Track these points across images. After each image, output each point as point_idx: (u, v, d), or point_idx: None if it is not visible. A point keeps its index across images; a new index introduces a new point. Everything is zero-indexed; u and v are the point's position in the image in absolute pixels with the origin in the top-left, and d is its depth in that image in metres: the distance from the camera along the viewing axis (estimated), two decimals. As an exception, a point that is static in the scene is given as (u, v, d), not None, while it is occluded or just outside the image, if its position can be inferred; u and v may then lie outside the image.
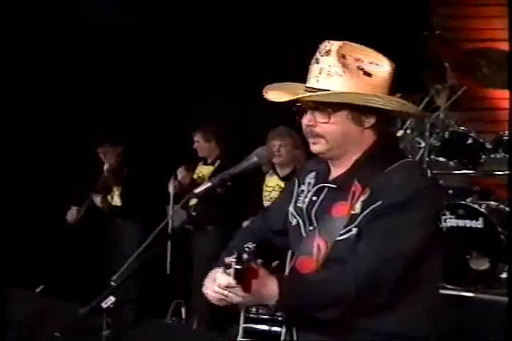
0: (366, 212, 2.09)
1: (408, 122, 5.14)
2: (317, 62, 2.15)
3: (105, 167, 6.13)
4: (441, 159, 5.06)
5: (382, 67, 2.15)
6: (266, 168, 5.32)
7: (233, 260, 1.86)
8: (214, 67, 6.59)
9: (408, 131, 5.15)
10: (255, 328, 2.13)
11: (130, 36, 6.44)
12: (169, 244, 5.51)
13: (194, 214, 2.16)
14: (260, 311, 2.20)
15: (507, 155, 4.82)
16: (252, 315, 2.12)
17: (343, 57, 2.12)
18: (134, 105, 6.57)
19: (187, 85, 6.52)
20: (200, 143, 5.83)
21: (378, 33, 6.06)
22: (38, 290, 4.83)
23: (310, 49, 2.24)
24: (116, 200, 6.13)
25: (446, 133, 5.06)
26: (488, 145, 4.95)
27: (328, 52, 2.13)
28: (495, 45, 5.59)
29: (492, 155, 4.93)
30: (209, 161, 5.87)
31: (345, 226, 2.11)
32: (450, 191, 5.15)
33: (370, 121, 2.16)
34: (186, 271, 5.73)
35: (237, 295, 1.96)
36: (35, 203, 6.32)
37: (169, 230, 4.41)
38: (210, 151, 5.84)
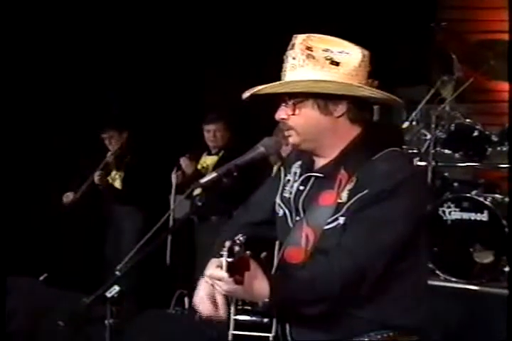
0: (352, 200, 2.08)
1: (414, 114, 5.13)
2: (286, 57, 2.15)
3: (109, 153, 6.13)
4: (446, 151, 5.04)
5: (352, 55, 2.12)
6: (273, 158, 5.29)
7: (225, 253, 1.85)
8: (219, 57, 6.56)
9: (414, 123, 5.14)
10: (246, 320, 2.12)
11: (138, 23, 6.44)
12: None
13: (199, 204, 2.14)
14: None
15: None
16: (242, 307, 2.11)
17: (308, 48, 2.10)
18: (141, 92, 6.57)
19: (193, 76, 6.50)
20: (212, 133, 5.78)
21: (386, 25, 6.06)
22: (41, 278, 4.84)
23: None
24: (116, 184, 6.13)
25: (452, 125, 5.03)
26: (494, 138, 4.92)
27: (292, 46, 2.14)
28: (502, 36, 5.55)
29: (498, 148, 4.90)
30: (213, 151, 5.85)
31: (332, 215, 2.10)
32: (455, 184, 5.14)
33: (340, 109, 2.13)
34: (189, 261, 5.73)
35: (228, 287, 1.95)
36: (35, 192, 6.32)
37: (171, 220, 4.41)
38: (220, 142, 5.81)
